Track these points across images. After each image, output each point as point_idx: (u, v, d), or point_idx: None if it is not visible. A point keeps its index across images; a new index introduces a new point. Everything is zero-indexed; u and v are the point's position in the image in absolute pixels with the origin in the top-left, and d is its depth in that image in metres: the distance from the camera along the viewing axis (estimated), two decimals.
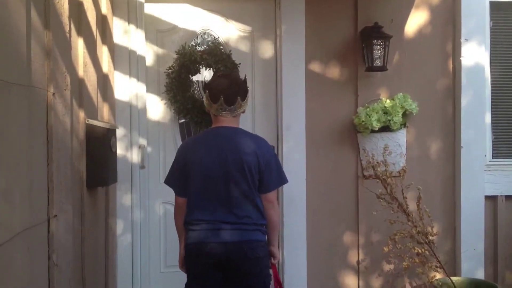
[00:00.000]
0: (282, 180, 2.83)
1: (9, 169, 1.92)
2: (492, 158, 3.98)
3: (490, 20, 3.99)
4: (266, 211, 2.76)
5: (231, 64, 3.86)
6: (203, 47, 3.94)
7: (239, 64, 3.89)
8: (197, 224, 2.67)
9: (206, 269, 2.65)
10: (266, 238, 2.79)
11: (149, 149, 3.82)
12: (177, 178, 2.78)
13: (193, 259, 2.69)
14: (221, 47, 3.92)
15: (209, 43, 3.96)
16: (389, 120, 3.72)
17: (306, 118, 3.83)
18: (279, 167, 2.82)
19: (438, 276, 3.71)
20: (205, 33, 4.01)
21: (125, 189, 3.65)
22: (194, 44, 3.94)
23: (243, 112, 2.82)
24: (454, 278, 3.64)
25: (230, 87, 2.72)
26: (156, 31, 3.90)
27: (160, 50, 3.91)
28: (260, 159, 2.69)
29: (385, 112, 3.74)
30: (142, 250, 3.75)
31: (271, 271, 2.83)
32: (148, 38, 3.83)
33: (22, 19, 2.07)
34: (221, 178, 2.65)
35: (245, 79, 2.81)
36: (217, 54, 3.85)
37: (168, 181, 2.85)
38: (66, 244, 2.51)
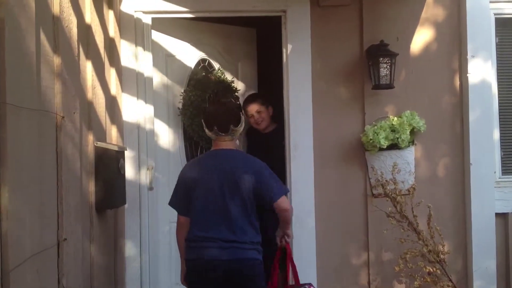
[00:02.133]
0: (284, 188, 3.00)
1: (20, 193, 1.92)
2: (502, 175, 3.95)
3: (496, 36, 4.00)
4: (283, 220, 2.99)
5: (232, 90, 4.13)
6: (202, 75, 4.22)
7: (239, 90, 4.25)
8: (197, 241, 2.85)
9: (204, 285, 2.83)
10: (261, 254, 2.93)
11: (157, 170, 3.82)
12: (179, 199, 2.98)
13: (192, 275, 2.88)
14: (223, 74, 4.20)
15: (212, 70, 4.23)
16: (397, 138, 3.71)
17: (314, 136, 3.82)
18: (276, 179, 2.95)
19: None
20: (205, 61, 4.27)
21: (134, 211, 3.64)
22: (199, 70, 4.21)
23: (240, 134, 3.07)
24: None
25: (223, 115, 2.94)
26: (163, 55, 3.96)
27: (167, 73, 3.96)
28: (256, 177, 2.85)
29: (393, 130, 3.73)
30: (151, 271, 3.72)
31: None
32: (155, 61, 3.86)
33: (32, 44, 2.09)
34: (219, 198, 2.84)
35: (239, 105, 3.07)
36: (220, 82, 4.11)
37: (171, 202, 3.05)
38: (76, 267, 2.50)
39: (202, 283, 2.84)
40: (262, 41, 4.84)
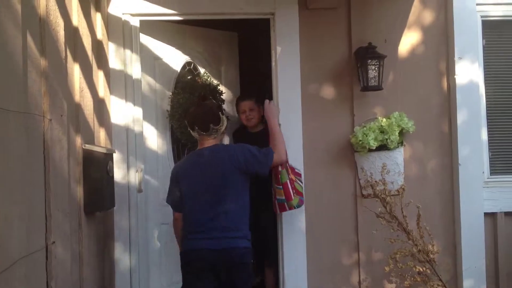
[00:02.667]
0: (267, 154, 3.22)
1: (7, 196, 1.91)
2: (490, 175, 3.98)
3: (483, 38, 4.03)
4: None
5: (218, 93, 4.31)
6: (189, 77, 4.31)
7: (224, 93, 4.40)
8: (190, 233, 3.08)
9: (197, 274, 3.02)
10: (250, 242, 3.13)
11: (146, 172, 3.81)
12: (172, 196, 3.23)
13: (186, 266, 3.09)
14: (209, 77, 4.33)
15: (197, 73, 4.33)
16: (386, 139, 3.72)
17: (304, 138, 3.83)
18: (257, 151, 3.18)
19: None
20: (191, 64, 4.39)
21: (123, 213, 3.62)
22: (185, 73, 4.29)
23: (223, 133, 3.27)
24: None
25: (203, 115, 3.18)
26: (151, 57, 3.96)
27: (155, 76, 3.97)
28: (237, 163, 3.09)
29: (382, 131, 3.74)
30: (141, 274, 3.70)
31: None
32: (143, 64, 3.85)
33: (19, 46, 2.08)
34: (206, 192, 3.07)
35: (219, 105, 3.35)
36: (207, 85, 4.26)
37: (167, 199, 3.31)
38: (64, 271, 2.48)
39: (194, 273, 3.04)
40: (244, 45, 4.94)
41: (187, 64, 4.37)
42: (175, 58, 4.28)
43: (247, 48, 5.06)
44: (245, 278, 3.06)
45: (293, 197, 3.55)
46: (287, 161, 3.50)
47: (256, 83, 4.92)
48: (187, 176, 3.15)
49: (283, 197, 3.53)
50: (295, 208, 3.61)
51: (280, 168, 3.49)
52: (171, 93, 4.18)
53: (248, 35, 4.95)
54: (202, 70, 4.42)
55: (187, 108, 4.01)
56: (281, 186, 3.51)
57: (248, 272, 3.08)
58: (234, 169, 3.08)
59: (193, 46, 4.42)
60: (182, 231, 3.18)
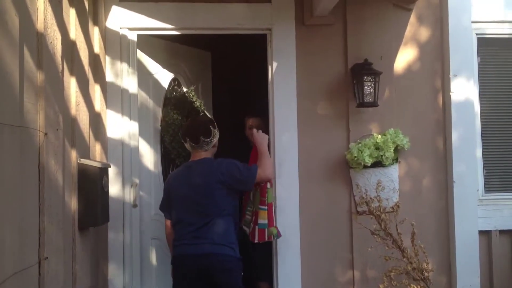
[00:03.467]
0: (250, 169, 3.29)
1: (0, 210, 1.89)
2: (485, 193, 3.99)
3: (478, 55, 4.06)
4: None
5: (198, 111, 4.48)
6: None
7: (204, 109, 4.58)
8: (179, 240, 3.24)
9: (185, 278, 3.19)
10: (237, 252, 3.24)
11: (141, 187, 3.79)
12: (164, 205, 3.41)
13: (175, 270, 3.27)
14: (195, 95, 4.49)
15: (180, 90, 4.46)
16: (381, 156, 3.72)
17: (299, 154, 3.83)
18: (242, 167, 3.27)
19: None
20: (176, 80, 4.50)
21: (118, 228, 3.60)
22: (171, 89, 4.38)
23: (215, 146, 3.38)
24: None
25: (193, 129, 3.32)
26: (146, 73, 3.98)
27: (149, 92, 3.98)
28: (221, 177, 3.20)
29: (377, 147, 3.75)
30: None
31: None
32: (139, 79, 3.85)
33: (15, 59, 2.08)
34: (192, 202, 3.21)
35: (211, 120, 3.43)
36: (193, 101, 4.41)
37: (160, 207, 3.48)
38: (57, 286, 2.46)
39: (180, 278, 3.22)
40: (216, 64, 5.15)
41: (173, 80, 4.43)
42: (164, 74, 4.32)
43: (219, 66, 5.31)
44: (230, 284, 3.17)
45: (274, 224, 3.55)
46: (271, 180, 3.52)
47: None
48: (175, 186, 3.32)
49: (266, 222, 3.50)
50: (273, 238, 3.58)
51: (268, 186, 3.49)
52: (161, 109, 4.23)
53: (220, 54, 5.24)
54: (184, 88, 4.51)
55: (179, 123, 4.15)
56: (265, 207, 3.49)
57: (232, 279, 3.17)
58: (217, 182, 3.20)
59: (178, 63, 4.50)
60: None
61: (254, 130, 3.64)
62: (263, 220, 3.49)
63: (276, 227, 3.54)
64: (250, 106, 4.75)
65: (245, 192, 3.70)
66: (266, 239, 3.51)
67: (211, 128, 3.32)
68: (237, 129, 4.67)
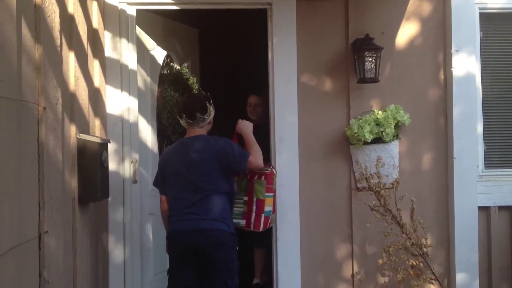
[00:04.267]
0: (244, 153, 3.28)
1: None
2: (485, 169, 3.97)
3: (480, 30, 4.01)
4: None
5: (190, 88, 4.48)
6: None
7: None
8: (173, 216, 3.24)
9: (179, 254, 3.20)
10: (232, 228, 3.25)
11: (140, 163, 3.79)
12: (158, 180, 3.39)
13: (169, 246, 3.28)
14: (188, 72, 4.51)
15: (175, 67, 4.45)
16: (382, 132, 3.71)
17: (299, 130, 3.82)
18: (236, 149, 3.27)
19: None
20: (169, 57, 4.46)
21: (117, 204, 3.61)
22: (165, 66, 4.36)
23: (210, 123, 3.36)
24: None
25: (190, 105, 3.31)
26: (144, 49, 3.95)
27: (146, 68, 3.97)
28: (216, 154, 3.20)
29: (378, 123, 3.73)
30: (134, 264, 3.70)
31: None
32: (137, 54, 3.82)
33: (13, 33, 2.06)
34: (187, 178, 3.20)
35: (207, 95, 3.36)
36: (187, 78, 4.43)
37: (154, 182, 3.48)
38: (58, 260, 2.47)
39: (176, 253, 3.23)
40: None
41: (166, 57, 4.40)
42: (159, 51, 4.27)
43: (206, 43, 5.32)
44: (224, 259, 3.16)
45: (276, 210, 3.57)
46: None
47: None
48: (170, 162, 3.31)
49: (271, 209, 3.53)
50: (270, 225, 3.61)
51: (274, 172, 3.50)
52: (157, 86, 4.21)
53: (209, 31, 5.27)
54: (176, 65, 4.48)
55: (176, 100, 4.18)
56: (272, 194, 3.52)
57: (227, 254, 3.18)
58: (213, 159, 3.20)
59: (171, 40, 4.46)
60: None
61: (239, 120, 3.57)
62: (269, 207, 3.51)
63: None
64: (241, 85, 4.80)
65: None
66: (268, 226, 3.55)
67: (207, 104, 3.30)
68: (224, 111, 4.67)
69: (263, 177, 3.50)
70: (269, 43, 3.90)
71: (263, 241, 4.17)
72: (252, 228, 3.51)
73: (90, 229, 3.21)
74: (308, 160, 3.85)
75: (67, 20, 2.85)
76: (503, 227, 3.91)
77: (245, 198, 3.53)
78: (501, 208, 3.90)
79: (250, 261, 4.65)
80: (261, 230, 3.52)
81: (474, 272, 3.80)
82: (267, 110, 4.16)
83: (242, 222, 3.51)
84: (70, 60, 2.90)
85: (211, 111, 3.32)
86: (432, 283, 3.64)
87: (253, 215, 3.50)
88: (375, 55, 3.75)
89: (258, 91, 4.55)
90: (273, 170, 3.53)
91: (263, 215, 3.49)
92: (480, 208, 3.86)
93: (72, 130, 2.89)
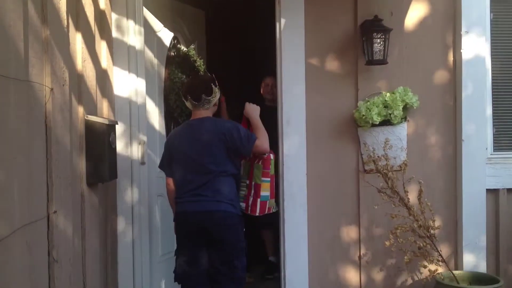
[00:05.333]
0: (250, 136, 3.24)
1: (7, 165, 1.90)
2: (493, 151, 3.95)
3: (491, 12, 3.96)
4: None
5: (197, 71, 4.43)
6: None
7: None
8: (180, 197, 3.25)
9: (186, 235, 3.23)
10: (239, 210, 3.29)
11: (148, 145, 3.80)
12: (164, 162, 3.39)
13: (176, 227, 3.30)
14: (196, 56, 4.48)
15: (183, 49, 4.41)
16: (390, 114, 3.70)
17: (307, 112, 3.82)
18: (243, 132, 3.23)
19: (440, 270, 3.70)
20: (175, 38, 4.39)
21: (126, 185, 3.62)
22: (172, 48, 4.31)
23: (215, 105, 3.37)
24: (456, 272, 3.63)
25: (196, 86, 3.30)
26: (151, 31, 3.93)
27: (153, 49, 3.95)
28: (222, 136, 3.18)
29: (386, 106, 3.72)
30: (143, 244, 3.72)
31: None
32: (146, 35, 3.81)
33: (19, 14, 2.05)
34: (194, 160, 3.21)
35: (212, 77, 3.35)
36: (195, 60, 4.40)
37: (160, 165, 3.47)
38: (66, 240, 2.50)
39: (183, 234, 3.25)
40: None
41: (173, 39, 4.34)
42: (166, 33, 4.22)
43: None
44: (231, 240, 3.17)
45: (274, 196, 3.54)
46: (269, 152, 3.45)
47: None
48: (176, 144, 3.30)
49: (268, 193, 3.49)
50: (273, 210, 3.57)
51: (272, 157, 3.47)
52: (164, 68, 4.18)
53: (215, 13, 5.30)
54: (183, 46, 4.43)
55: (183, 82, 4.10)
56: (269, 179, 3.48)
57: (233, 235, 3.19)
58: (219, 141, 3.18)
59: (178, 21, 4.41)
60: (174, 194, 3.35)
61: (246, 103, 3.53)
62: (265, 192, 3.48)
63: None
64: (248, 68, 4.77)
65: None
66: (267, 211, 3.51)
67: (213, 86, 3.28)
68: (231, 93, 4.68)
69: (260, 161, 3.48)
70: (277, 25, 3.88)
71: (269, 223, 4.20)
72: (249, 212, 3.49)
73: (98, 210, 3.24)
74: (316, 142, 3.84)
75: (74, 1, 2.84)
76: (511, 209, 3.89)
77: (247, 182, 3.52)
78: (509, 190, 3.88)
79: (260, 240, 4.72)
80: (257, 214, 3.49)
81: (481, 254, 3.80)
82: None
83: (243, 205, 3.49)
84: (77, 41, 2.90)
85: (216, 92, 3.31)
86: (439, 264, 3.65)
87: (251, 199, 3.49)
88: (383, 36, 3.73)
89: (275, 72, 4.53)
90: (271, 155, 3.49)
91: (259, 200, 3.47)
92: (488, 190, 3.85)
93: (80, 111, 2.90)
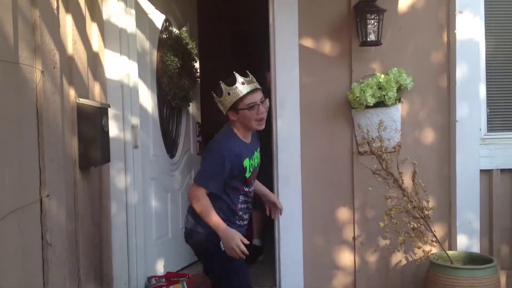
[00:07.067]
0: (197, 174, 2.84)
1: None
2: (487, 132, 3.93)
3: None
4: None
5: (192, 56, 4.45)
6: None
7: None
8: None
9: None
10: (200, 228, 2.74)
11: (141, 128, 3.78)
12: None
13: None
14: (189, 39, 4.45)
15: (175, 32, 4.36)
16: (384, 96, 3.68)
17: (300, 94, 3.79)
18: (204, 163, 2.91)
19: (434, 250, 3.72)
20: (167, 21, 4.31)
21: (119, 168, 3.60)
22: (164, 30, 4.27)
23: (227, 116, 2.75)
24: (450, 252, 3.65)
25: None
26: (142, 12, 3.88)
27: (145, 32, 3.91)
28: None
29: (380, 87, 3.70)
30: (137, 228, 3.72)
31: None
32: (137, 17, 3.76)
33: None
34: None
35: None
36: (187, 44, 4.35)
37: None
38: (60, 224, 2.49)
39: None
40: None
41: (165, 21, 4.28)
42: (157, 15, 4.16)
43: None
44: (200, 257, 2.89)
45: None
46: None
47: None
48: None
49: None
50: None
51: None
52: (156, 50, 4.13)
53: None
54: (175, 29, 4.38)
55: (176, 66, 4.13)
56: None
57: (199, 250, 2.84)
58: None
59: (170, 3, 4.35)
60: None
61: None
62: None
63: None
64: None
65: None
66: None
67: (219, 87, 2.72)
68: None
69: None
70: (270, 5, 3.84)
71: (261, 204, 4.19)
72: None
73: (92, 193, 3.23)
74: (310, 124, 3.83)
75: None
76: (505, 190, 3.90)
77: None
78: (503, 171, 3.88)
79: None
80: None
81: (475, 235, 3.81)
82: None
83: None
84: (67, 23, 2.87)
85: (224, 97, 2.70)
86: (433, 245, 3.67)
87: None
88: (377, 17, 3.69)
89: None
90: None
91: None
92: (482, 171, 3.84)
93: (71, 94, 2.88)
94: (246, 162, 2.75)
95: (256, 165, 2.89)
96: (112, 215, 3.62)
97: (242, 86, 2.66)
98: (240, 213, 2.85)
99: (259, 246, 4.69)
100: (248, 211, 2.93)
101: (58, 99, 2.57)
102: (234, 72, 2.69)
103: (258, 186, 3.07)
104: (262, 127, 2.77)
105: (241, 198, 2.83)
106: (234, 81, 2.66)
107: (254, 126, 2.74)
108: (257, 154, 2.90)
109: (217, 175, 2.68)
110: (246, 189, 2.84)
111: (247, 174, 2.78)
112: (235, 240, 2.59)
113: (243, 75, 2.71)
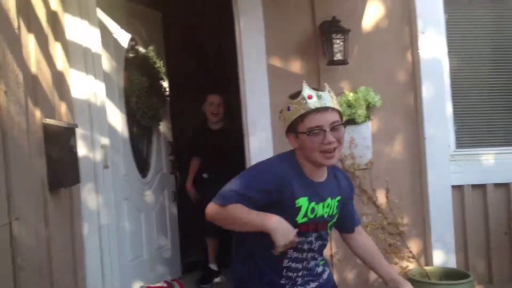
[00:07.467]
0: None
1: None
2: (456, 148, 3.99)
3: (445, 13, 4.01)
4: None
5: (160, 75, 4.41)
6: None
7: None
8: None
9: None
10: None
11: (111, 148, 3.64)
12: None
13: None
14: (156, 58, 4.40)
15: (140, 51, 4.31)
16: (354, 113, 3.70)
17: (271, 112, 3.76)
18: (229, 182, 2.07)
19: (411, 266, 3.70)
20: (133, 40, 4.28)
21: (90, 189, 3.44)
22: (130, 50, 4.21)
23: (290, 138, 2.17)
24: (427, 268, 3.63)
25: None
26: (107, 31, 3.80)
27: (111, 52, 3.83)
28: None
29: (349, 105, 3.71)
30: (111, 250, 3.56)
31: None
32: (102, 37, 3.66)
33: None
34: None
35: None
36: (155, 63, 4.34)
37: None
38: (31, 247, 2.35)
39: None
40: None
41: (131, 40, 4.23)
42: (123, 35, 4.10)
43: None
44: None
45: None
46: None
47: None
48: None
49: None
50: None
51: None
52: (123, 70, 4.06)
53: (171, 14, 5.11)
54: (141, 48, 4.33)
55: (143, 85, 4.06)
56: None
57: None
58: None
59: (135, 22, 4.29)
60: None
61: None
62: None
63: None
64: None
65: None
66: None
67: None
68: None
69: None
70: (236, 26, 3.82)
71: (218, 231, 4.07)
72: None
73: (63, 215, 3.07)
74: (282, 143, 3.73)
75: (23, 2, 2.68)
76: (476, 205, 3.94)
77: None
78: (474, 186, 3.93)
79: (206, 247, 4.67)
80: None
81: (450, 250, 3.82)
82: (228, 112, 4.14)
83: None
84: (30, 43, 2.74)
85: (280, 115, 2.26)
86: (410, 261, 3.65)
87: None
88: (342, 37, 3.73)
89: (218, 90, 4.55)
90: None
91: None
92: (454, 187, 3.88)
93: (37, 114, 2.73)
94: (303, 202, 2.03)
95: (326, 215, 2.12)
96: (85, 236, 3.43)
97: (307, 100, 2.04)
98: (289, 273, 2.12)
99: (216, 270, 4.61)
100: (309, 276, 2.20)
101: (23, 119, 2.44)
102: (303, 82, 2.13)
103: (385, 266, 2.38)
104: (331, 162, 2.05)
105: (289, 252, 2.08)
106: (298, 93, 2.07)
107: (318, 160, 2.02)
108: (333, 202, 2.15)
109: (245, 196, 1.95)
110: (297, 239, 1.95)
111: (300, 219, 2.03)
112: (294, 233, 1.91)
113: (317, 88, 2.11)
